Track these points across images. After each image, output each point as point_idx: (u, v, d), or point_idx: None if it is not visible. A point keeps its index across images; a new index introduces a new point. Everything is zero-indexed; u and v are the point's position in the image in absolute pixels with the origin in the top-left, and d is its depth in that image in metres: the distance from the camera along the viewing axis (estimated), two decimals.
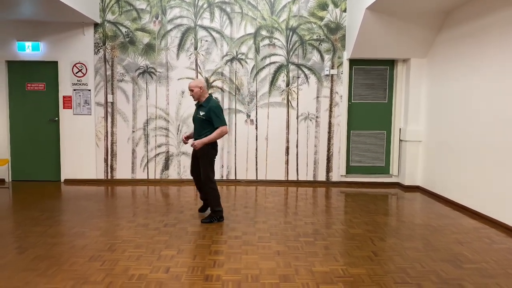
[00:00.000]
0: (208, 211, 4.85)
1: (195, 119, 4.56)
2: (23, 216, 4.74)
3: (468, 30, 5.29)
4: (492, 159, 4.77)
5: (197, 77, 6.77)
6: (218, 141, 6.77)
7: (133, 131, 6.86)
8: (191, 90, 4.45)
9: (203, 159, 4.47)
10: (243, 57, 6.79)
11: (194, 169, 4.72)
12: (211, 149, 4.48)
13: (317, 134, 6.90)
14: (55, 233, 4.16)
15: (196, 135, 4.55)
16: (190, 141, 4.87)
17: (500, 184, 4.62)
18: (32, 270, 3.24)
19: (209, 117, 4.39)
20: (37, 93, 6.80)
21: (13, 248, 3.72)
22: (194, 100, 4.58)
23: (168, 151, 6.87)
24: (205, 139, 4.38)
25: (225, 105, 6.83)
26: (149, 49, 6.75)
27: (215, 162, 4.90)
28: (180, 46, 6.75)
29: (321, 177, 6.96)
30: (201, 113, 4.45)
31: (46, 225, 4.42)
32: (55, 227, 4.36)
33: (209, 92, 6.82)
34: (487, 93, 4.88)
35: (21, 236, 4.05)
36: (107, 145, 6.86)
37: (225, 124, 4.44)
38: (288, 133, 6.91)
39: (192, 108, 6.78)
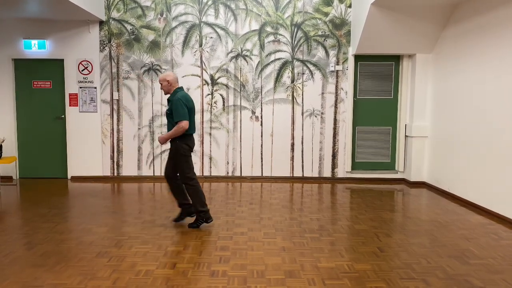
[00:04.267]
0: (186, 220, 4.46)
1: (166, 113, 4.35)
2: (31, 213, 4.79)
3: (475, 25, 5.25)
4: (498, 154, 4.74)
5: (201, 74, 6.78)
6: (223, 138, 6.85)
7: (139, 128, 6.89)
8: (160, 84, 4.25)
9: (176, 157, 4.17)
10: (248, 53, 6.79)
11: (167, 170, 4.31)
12: (182, 144, 4.15)
13: (322, 130, 6.89)
14: (62, 229, 4.20)
15: (168, 130, 4.29)
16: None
17: (507, 180, 4.59)
18: (40, 265, 3.27)
19: (172, 111, 4.14)
20: (44, 91, 6.84)
21: (22, 244, 3.76)
22: (164, 94, 4.29)
23: None
24: (165, 135, 4.15)
25: (230, 102, 6.84)
26: (154, 46, 6.76)
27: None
28: (185, 43, 6.76)
29: (327, 173, 6.95)
30: (168, 107, 4.24)
31: (53, 221, 4.46)
32: (62, 223, 4.40)
33: (217, 88, 6.84)
34: (494, 88, 4.84)
35: (29, 232, 4.09)
36: (113, 142, 6.90)
37: (183, 119, 4.05)
38: (293, 130, 6.90)
39: (197, 105, 6.82)
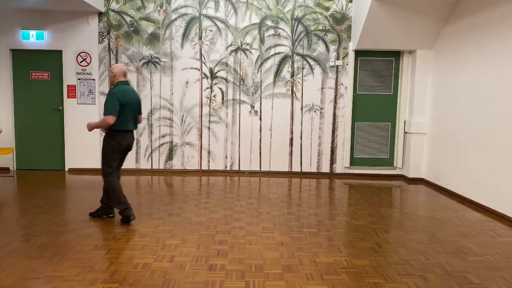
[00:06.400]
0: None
1: None
2: (28, 205, 4.77)
3: (476, 21, 5.22)
4: (497, 152, 4.74)
5: (201, 68, 6.74)
6: (221, 132, 6.82)
7: None
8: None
9: (102, 149, 4.14)
10: (248, 47, 6.75)
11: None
12: (111, 140, 4.08)
13: (321, 125, 6.87)
14: (60, 221, 4.18)
15: None
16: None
17: (505, 177, 4.60)
18: (37, 258, 3.26)
19: None
20: (42, 82, 6.79)
21: (19, 236, 3.74)
22: (110, 85, 4.25)
23: (172, 141, 6.87)
24: (93, 123, 4.08)
25: (229, 96, 6.81)
26: (154, 38, 6.71)
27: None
28: (185, 35, 6.71)
29: (325, 168, 6.95)
30: None
31: (51, 213, 4.44)
32: (60, 215, 4.38)
33: (216, 81, 6.81)
34: (494, 85, 4.83)
35: (26, 224, 4.08)
36: None
37: (111, 113, 3.94)
38: (292, 124, 6.88)
39: (196, 99, 6.79)
